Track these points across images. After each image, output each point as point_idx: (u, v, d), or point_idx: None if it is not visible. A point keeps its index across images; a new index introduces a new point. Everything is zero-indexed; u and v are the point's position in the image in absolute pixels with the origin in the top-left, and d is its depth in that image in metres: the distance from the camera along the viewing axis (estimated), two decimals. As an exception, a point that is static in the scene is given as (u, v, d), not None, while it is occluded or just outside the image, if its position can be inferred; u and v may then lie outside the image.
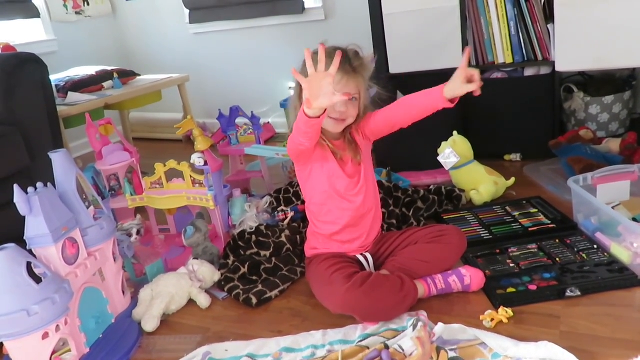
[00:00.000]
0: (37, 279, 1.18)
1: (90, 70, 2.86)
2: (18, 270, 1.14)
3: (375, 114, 1.41)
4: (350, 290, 1.26)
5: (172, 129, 3.28)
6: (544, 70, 2.15)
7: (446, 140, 1.96)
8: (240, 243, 1.71)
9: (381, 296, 1.27)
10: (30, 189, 1.24)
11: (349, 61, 1.32)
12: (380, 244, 1.51)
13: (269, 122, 3.20)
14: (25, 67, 1.70)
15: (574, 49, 1.97)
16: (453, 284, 1.38)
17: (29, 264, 1.18)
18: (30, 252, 1.23)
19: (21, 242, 1.22)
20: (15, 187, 1.21)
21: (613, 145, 1.99)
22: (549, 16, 2.09)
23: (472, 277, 1.38)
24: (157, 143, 3.46)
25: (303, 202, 1.91)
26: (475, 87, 1.23)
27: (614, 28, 1.89)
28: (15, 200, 1.21)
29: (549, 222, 1.69)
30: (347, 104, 1.34)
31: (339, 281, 1.30)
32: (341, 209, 1.44)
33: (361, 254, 1.47)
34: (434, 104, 1.30)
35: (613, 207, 1.56)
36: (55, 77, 2.66)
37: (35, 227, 1.23)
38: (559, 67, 2.04)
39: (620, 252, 1.42)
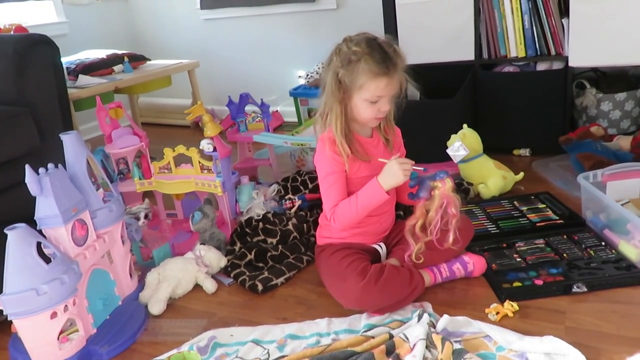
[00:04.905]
0: (47, 259, 1.19)
1: (100, 53, 2.86)
2: (28, 250, 1.16)
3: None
4: (365, 287, 1.26)
5: (180, 114, 3.30)
6: (557, 65, 2.13)
7: (456, 132, 1.95)
8: (247, 230, 1.72)
9: (393, 291, 1.28)
10: (41, 170, 1.25)
11: (390, 60, 1.25)
12: (390, 231, 1.50)
13: (277, 110, 3.20)
14: (37, 48, 1.69)
15: (588, 44, 1.96)
16: (457, 271, 1.41)
17: (38, 244, 1.19)
18: (40, 232, 1.25)
19: (31, 223, 1.23)
20: (27, 167, 1.22)
21: (624, 142, 1.98)
22: (564, 11, 2.07)
23: (475, 264, 1.42)
24: (165, 128, 3.47)
25: (310, 191, 1.91)
26: None
27: (629, 24, 1.87)
28: (26, 181, 1.22)
29: (557, 217, 1.68)
30: (390, 101, 1.31)
31: (353, 277, 1.29)
32: None
33: (377, 244, 1.47)
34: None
35: (622, 205, 1.55)
36: (66, 60, 2.66)
37: (46, 208, 1.24)
38: (572, 63, 2.02)
39: (628, 249, 1.41)
